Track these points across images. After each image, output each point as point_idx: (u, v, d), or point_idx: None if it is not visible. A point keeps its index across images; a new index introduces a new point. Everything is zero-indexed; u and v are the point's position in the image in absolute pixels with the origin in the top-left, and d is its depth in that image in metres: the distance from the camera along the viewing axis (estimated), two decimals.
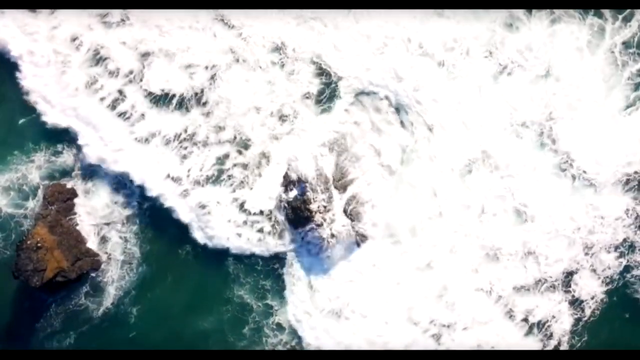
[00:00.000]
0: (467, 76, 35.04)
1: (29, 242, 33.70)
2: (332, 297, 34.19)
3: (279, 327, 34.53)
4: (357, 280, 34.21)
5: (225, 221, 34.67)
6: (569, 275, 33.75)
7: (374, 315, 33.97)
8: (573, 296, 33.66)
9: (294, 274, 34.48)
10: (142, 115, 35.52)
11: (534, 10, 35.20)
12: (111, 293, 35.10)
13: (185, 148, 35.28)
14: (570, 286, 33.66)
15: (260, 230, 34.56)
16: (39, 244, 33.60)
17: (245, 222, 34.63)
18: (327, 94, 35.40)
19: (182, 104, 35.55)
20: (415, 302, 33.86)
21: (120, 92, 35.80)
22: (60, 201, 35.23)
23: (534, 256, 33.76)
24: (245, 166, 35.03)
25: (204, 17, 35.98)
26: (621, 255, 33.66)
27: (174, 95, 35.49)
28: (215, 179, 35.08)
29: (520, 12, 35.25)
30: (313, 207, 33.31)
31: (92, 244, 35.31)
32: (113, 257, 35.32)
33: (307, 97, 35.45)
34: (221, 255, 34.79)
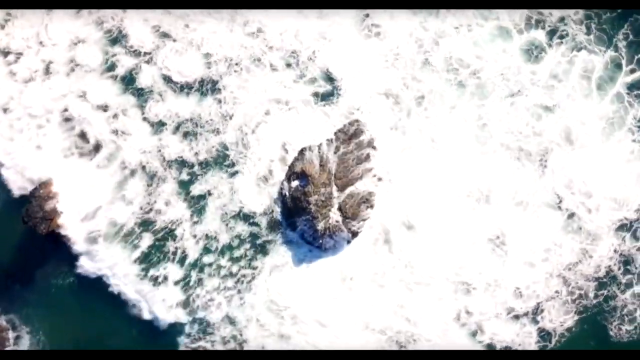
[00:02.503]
0: (474, 96, 36.06)
1: (41, 191, 35.49)
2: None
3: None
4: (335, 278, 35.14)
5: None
6: (541, 303, 33.61)
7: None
8: (540, 326, 33.44)
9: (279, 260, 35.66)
10: None
11: (556, 40, 36.06)
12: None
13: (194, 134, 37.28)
14: (541, 313, 33.46)
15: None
16: (50, 194, 35.35)
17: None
18: (335, 96, 36.84)
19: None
20: (376, 310, 34.43)
21: None
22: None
23: (511, 285, 33.91)
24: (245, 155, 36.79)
25: (227, 15, 38.13)
26: (601, 286, 33.48)
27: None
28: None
29: (543, 39, 36.07)
30: (312, 199, 34.54)
31: None
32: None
33: (316, 96, 36.93)
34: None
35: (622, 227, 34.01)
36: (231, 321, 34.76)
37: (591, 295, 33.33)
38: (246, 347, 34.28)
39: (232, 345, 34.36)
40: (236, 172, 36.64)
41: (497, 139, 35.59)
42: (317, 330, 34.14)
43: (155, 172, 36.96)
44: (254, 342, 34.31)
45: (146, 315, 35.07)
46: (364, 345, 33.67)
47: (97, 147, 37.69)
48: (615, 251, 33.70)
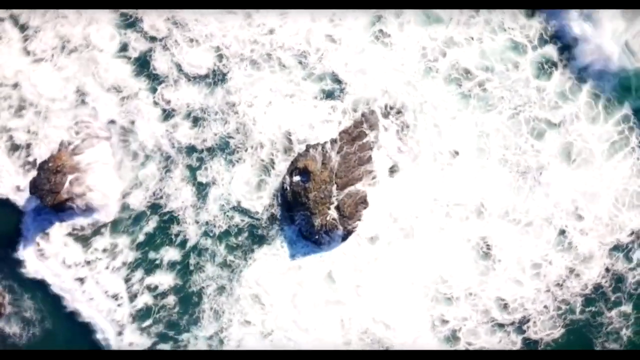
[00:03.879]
0: (476, 109, 36.42)
1: (50, 164, 36.35)
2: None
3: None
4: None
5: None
6: (528, 316, 33.94)
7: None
8: (525, 336, 33.81)
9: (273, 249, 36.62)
10: None
11: (567, 56, 36.15)
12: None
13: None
14: (527, 322, 33.77)
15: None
16: (58, 168, 36.27)
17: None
18: (340, 97, 37.39)
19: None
20: (356, 312, 35.22)
21: None
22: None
23: (495, 297, 34.32)
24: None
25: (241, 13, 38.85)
26: (590, 302, 33.65)
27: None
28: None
29: (555, 55, 36.32)
30: (311, 195, 35.25)
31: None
32: None
33: (323, 93, 37.54)
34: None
35: (616, 247, 34.16)
36: (216, 314, 35.98)
37: (578, 310, 33.63)
38: (227, 340, 35.43)
39: (215, 340, 35.65)
40: (239, 160, 37.46)
41: (496, 152, 35.82)
42: (297, 328, 35.17)
43: (168, 156, 38.01)
44: (236, 335, 35.52)
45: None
46: (341, 346, 34.53)
47: (109, 128, 38.82)
48: (607, 270, 33.92)
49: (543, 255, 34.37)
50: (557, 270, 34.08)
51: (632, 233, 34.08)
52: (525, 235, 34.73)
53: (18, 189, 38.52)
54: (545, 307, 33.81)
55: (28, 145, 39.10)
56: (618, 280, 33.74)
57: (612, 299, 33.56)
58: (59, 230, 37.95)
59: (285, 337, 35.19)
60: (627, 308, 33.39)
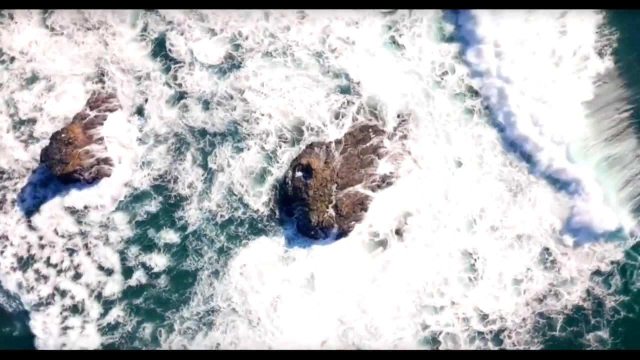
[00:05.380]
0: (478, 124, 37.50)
1: (63, 135, 37.55)
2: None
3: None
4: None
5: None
6: (507, 329, 34.62)
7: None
8: (502, 347, 34.44)
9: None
10: None
11: None
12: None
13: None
14: (503, 332, 34.48)
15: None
16: (70, 140, 37.42)
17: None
18: (350, 97, 38.50)
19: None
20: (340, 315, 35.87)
21: None
22: (101, 110, 39.21)
23: (476, 307, 35.10)
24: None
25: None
26: (571, 322, 34.23)
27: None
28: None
29: None
30: (311, 192, 36.32)
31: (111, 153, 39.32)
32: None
33: (333, 92, 38.68)
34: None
35: (597, 272, 34.74)
36: (207, 298, 36.96)
37: (559, 327, 34.27)
38: (215, 326, 36.34)
39: (202, 324, 36.53)
40: (245, 148, 38.57)
41: (493, 166, 36.64)
42: (280, 322, 36.07)
43: (179, 138, 39.12)
44: (223, 320, 36.43)
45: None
46: (319, 344, 35.37)
47: (123, 105, 40.01)
48: (588, 293, 34.56)
49: (524, 271, 35.18)
50: (538, 287, 34.85)
51: (612, 262, 34.65)
52: (510, 251, 35.58)
53: (17, 161, 39.94)
54: (524, 319, 34.50)
55: (33, 121, 40.32)
56: (599, 304, 34.34)
57: (592, 322, 34.17)
58: (57, 203, 39.15)
59: (270, 331, 36.00)
60: (603, 334, 33.92)
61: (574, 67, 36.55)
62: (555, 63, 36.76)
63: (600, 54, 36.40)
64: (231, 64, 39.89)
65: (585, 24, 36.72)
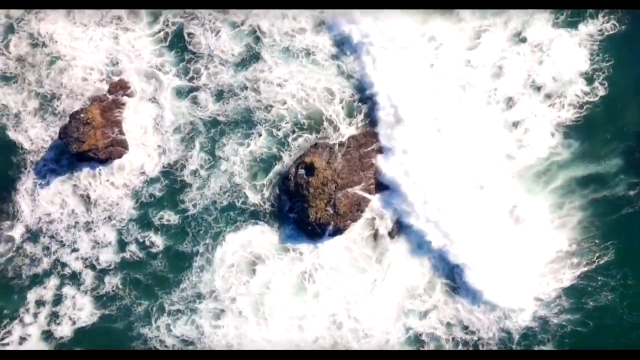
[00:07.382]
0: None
1: (82, 115, 39.20)
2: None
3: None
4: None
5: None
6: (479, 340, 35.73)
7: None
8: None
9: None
10: None
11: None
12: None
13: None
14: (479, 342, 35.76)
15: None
16: (88, 120, 39.04)
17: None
18: (362, 100, 40.00)
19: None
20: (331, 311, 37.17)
21: None
22: (119, 94, 40.89)
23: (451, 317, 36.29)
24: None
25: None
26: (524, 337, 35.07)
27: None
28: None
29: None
30: (311, 189, 37.82)
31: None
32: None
33: (347, 93, 40.15)
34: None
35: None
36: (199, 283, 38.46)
37: (515, 341, 35.38)
38: (203, 313, 37.75)
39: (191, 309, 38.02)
40: (254, 137, 40.03)
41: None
42: (267, 317, 37.47)
43: (192, 127, 40.55)
44: (212, 305, 37.88)
45: None
46: (301, 342, 36.62)
47: (140, 93, 41.77)
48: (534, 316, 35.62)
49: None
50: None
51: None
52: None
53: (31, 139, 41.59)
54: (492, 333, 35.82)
55: (54, 98, 41.83)
56: (545, 322, 35.37)
57: (539, 338, 35.26)
58: (68, 179, 40.86)
59: (256, 322, 37.36)
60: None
61: None
62: None
63: None
64: (249, 55, 41.13)
65: None
